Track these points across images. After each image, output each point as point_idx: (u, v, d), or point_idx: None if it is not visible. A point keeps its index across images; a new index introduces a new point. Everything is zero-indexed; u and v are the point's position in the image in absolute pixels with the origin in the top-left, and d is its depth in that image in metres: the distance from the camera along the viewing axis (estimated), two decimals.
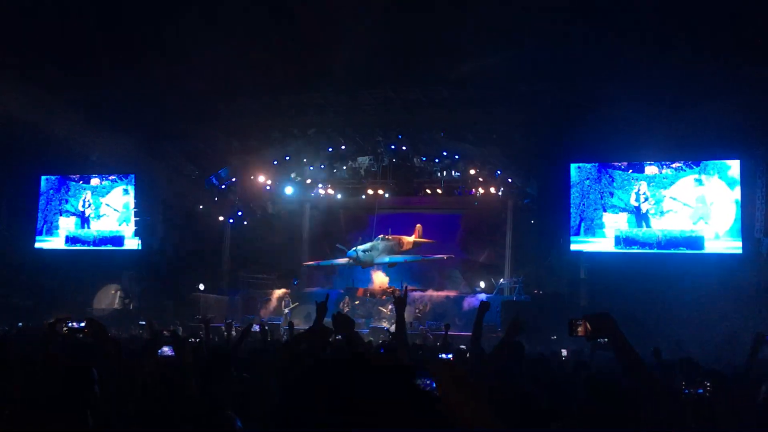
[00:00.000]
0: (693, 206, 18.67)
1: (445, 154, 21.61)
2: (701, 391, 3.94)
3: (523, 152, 20.04)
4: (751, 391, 4.08)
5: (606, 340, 2.95)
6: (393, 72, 18.10)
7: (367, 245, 22.92)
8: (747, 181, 18.05)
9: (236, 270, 24.32)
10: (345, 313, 3.81)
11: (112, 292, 22.18)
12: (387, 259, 23.21)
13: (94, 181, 23.60)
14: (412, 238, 24.51)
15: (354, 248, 22.32)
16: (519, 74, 17.63)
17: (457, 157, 21.62)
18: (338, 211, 24.54)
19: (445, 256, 23.04)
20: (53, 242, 23.55)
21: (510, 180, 21.43)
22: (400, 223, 24.59)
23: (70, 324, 4.87)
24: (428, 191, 23.34)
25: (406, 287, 6.13)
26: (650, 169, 19.16)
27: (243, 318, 20.04)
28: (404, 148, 21.49)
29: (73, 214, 23.57)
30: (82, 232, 23.48)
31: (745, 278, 16.96)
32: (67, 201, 23.70)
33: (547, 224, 20.25)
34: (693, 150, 18.59)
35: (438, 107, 19.18)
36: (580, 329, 2.85)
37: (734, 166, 18.43)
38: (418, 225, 24.85)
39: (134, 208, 22.69)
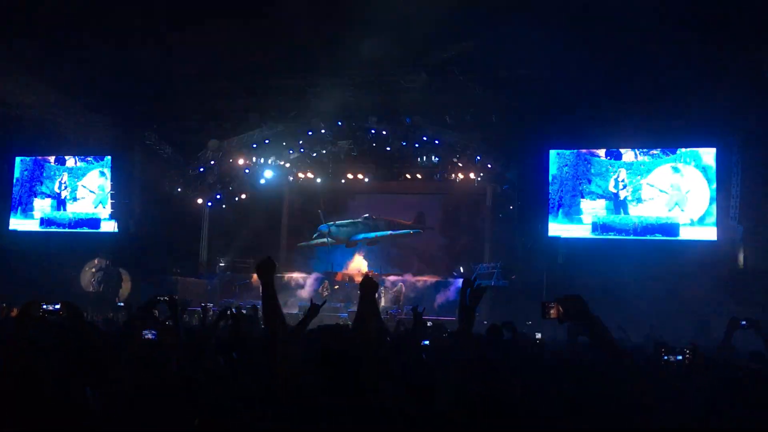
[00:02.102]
0: (669, 193, 18.85)
1: (425, 138, 21.60)
2: (680, 357, 4.00)
3: (502, 138, 20.11)
4: (723, 373, 4.13)
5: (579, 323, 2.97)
6: (373, 56, 18.00)
7: (345, 222, 23.06)
8: (723, 168, 18.26)
9: (214, 254, 24.19)
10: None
11: (91, 270, 21.93)
12: (361, 236, 23.36)
13: (70, 163, 23.24)
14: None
15: (327, 223, 22.44)
16: (499, 60, 17.65)
17: (437, 141, 21.61)
18: (318, 195, 24.47)
19: (411, 231, 23.31)
20: (28, 224, 23.22)
21: (489, 165, 21.47)
22: (379, 208, 24.62)
23: (45, 306, 4.82)
24: (408, 176, 23.33)
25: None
26: (628, 156, 19.29)
27: (221, 302, 19.95)
28: (384, 132, 21.43)
29: (48, 195, 23.23)
30: (58, 214, 23.16)
31: (719, 265, 17.23)
32: (42, 182, 23.33)
33: (526, 210, 20.37)
34: (670, 137, 18.74)
35: (418, 92, 19.16)
36: (552, 312, 2.88)
37: (710, 154, 18.62)
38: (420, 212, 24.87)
39: (110, 190, 22.41)
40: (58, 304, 4.80)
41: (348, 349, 3.56)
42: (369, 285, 3.89)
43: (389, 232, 23.89)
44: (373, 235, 23.78)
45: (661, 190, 18.91)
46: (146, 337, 4.51)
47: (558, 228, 19.57)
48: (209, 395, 3.36)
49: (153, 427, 2.77)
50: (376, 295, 4.47)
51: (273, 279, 3.51)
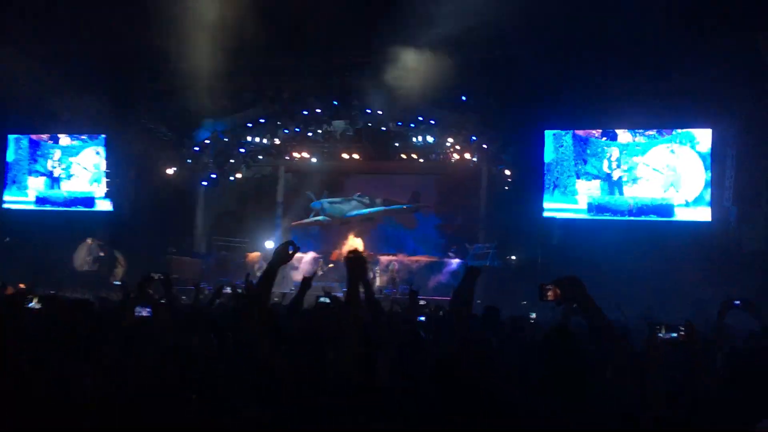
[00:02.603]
0: (664, 173, 18.86)
1: (421, 119, 21.53)
2: (675, 335, 4.02)
3: (498, 118, 20.04)
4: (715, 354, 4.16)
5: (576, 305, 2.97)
6: (369, 35, 17.87)
7: (338, 199, 23.06)
8: (718, 150, 18.25)
9: (210, 233, 24.17)
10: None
11: (85, 250, 21.91)
12: (355, 213, 23.38)
13: (64, 141, 23.10)
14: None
15: (320, 200, 22.42)
16: (495, 39, 17.53)
17: (432, 122, 21.55)
18: (313, 174, 24.39)
19: (405, 206, 23.32)
20: (22, 202, 23.12)
21: (485, 146, 21.43)
22: (374, 188, 24.61)
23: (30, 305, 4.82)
24: (403, 156, 23.25)
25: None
26: (623, 137, 19.27)
27: (217, 281, 19.95)
28: (380, 112, 21.34)
29: (42, 174, 23.11)
30: (52, 193, 23.05)
31: (713, 246, 17.29)
32: (36, 161, 23.18)
33: (521, 191, 20.37)
34: (666, 118, 18.70)
35: (414, 71, 19.02)
36: (549, 294, 2.88)
37: (706, 135, 18.60)
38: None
39: (105, 168, 22.30)
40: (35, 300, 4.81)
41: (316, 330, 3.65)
42: (355, 262, 3.60)
43: (383, 208, 23.85)
44: (366, 211, 23.75)
45: (655, 170, 18.91)
46: (140, 314, 4.52)
47: (554, 207, 19.59)
48: (204, 371, 3.38)
49: (149, 403, 2.78)
50: (370, 273, 4.53)
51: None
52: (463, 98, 19.98)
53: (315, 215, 23.53)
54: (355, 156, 23.46)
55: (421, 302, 9.18)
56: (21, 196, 23.16)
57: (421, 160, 23.29)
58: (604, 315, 2.91)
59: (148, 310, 4.53)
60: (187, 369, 3.30)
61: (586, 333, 3.08)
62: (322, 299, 6.05)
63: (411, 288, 6.05)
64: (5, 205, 23.11)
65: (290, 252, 3.76)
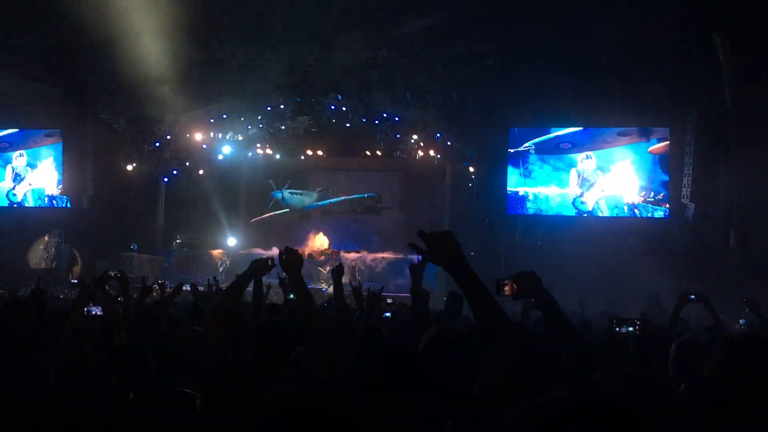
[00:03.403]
0: (623, 171, 19.27)
1: (384, 115, 21.53)
2: (632, 329, 4.09)
3: (462, 115, 20.15)
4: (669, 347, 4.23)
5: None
6: (333, 30, 17.81)
7: (298, 190, 22.92)
8: (675, 147, 18.66)
9: (171, 230, 23.83)
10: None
11: (41, 247, 21.42)
12: (315, 204, 23.22)
13: (21, 135, 22.58)
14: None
15: (281, 190, 22.21)
16: (458, 34, 17.62)
17: (396, 119, 21.56)
18: (276, 171, 24.21)
19: (366, 195, 23.22)
20: None
21: (449, 143, 21.52)
22: (338, 184, 24.54)
23: None
24: (368, 152, 23.21)
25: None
26: (585, 136, 19.64)
27: (178, 279, 19.70)
28: (344, 108, 21.28)
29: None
30: (8, 189, 22.49)
31: (670, 242, 17.64)
32: None
33: (485, 187, 20.52)
34: (625, 117, 19.05)
35: (378, 67, 19.03)
36: (506, 289, 2.88)
37: (663, 134, 19.05)
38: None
39: (62, 165, 21.82)
40: None
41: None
42: (290, 256, 3.73)
43: (342, 198, 23.63)
44: (327, 202, 23.54)
45: (614, 168, 19.33)
46: (92, 312, 4.45)
47: (517, 205, 19.92)
48: (157, 366, 3.33)
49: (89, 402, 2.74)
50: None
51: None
52: (427, 96, 20.04)
53: (274, 205, 23.25)
54: (319, 152, 23.35)
55: (388, 300, 9.18)
56: None
57: (386, 157, 23.27)
58: (561, 308, 2.93)
59: (99, 308, 4.47)
60: (138, 364, 3.26)
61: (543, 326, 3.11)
62: (292, 296, 6.05)
63: (369, 290, 6.05)
64: None
65: (269, 265, 3.76)
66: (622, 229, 18.26)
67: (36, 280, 4.99)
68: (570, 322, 2.99)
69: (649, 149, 19.15)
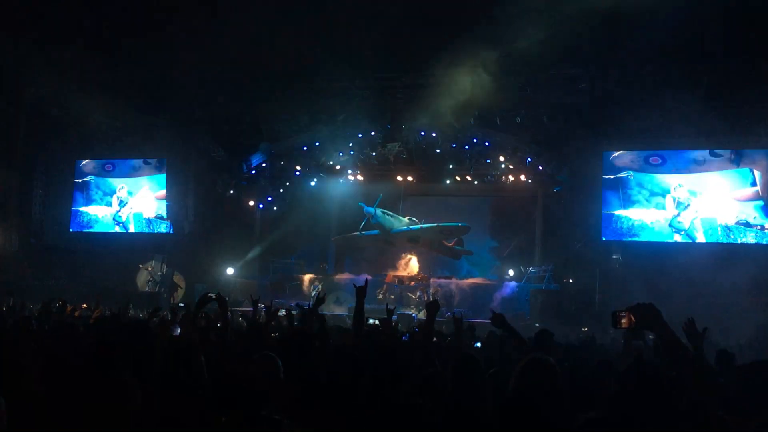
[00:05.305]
0: (723, 196, 18.50)
1: (475, 140, 21.41)
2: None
3: (554, 139, 19.80)
4: None
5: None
6: (423, 57, 17.97)
7: (391, 212, 22.86)
8: None
9: (266, 255, 24.43)
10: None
11: (148, 271, 22.51)
12: (405, 228, 23.02)
13: (127, 165, 23.99)
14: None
15: (374, 207, 22.14)
16: (553, 58, 17.38)
17: (487, 144, 21.41)
18: (367, 197, 24.42)
19: (460, 225, 22.81)
20: (90, 226, 24.13)
21: (540, 168, 21.14)
22: (428, 210, 24.42)
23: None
24: (457, 178, 23.05)
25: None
26: (684, 160, 18.99)
27: (272, 302, 20.12)
28: (434, 134, 21.35)
29: (107, 194, 24.04)
30: (117, 215, 23.93)
31: None
32: (99, 186, 24.13)
33: (579, 213, 20.00)
34: (725, 139, 18.28)
35: (467, 93, 18.96)
36: (624, 321, 2.77)
37: (760, 156, 18.34)
38: None
39: (166, 192, 22.96)
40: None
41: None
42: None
43: (431, 225, 23.28)
44: (418, 227, 23.23)
45: (713, 193, 18.67)
46: (174, 333, 4.59)
47: (613, 231, 19.43)
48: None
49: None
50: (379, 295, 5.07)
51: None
52: (518, 119, 19.84)
53: (364, 226, 23.09)
54: (409, 178, 23.37)
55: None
56: (87, 221, 24.13)
57: (476, 182, 23.06)
58: (683, 343, 2.80)
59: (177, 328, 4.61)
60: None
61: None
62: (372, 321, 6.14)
63: (454, 314, 6.10)
64: (72, 229, 24.06)
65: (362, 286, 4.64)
66: (722, 255, 17.30)
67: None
68: (700, 361, 2.84)
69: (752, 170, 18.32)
